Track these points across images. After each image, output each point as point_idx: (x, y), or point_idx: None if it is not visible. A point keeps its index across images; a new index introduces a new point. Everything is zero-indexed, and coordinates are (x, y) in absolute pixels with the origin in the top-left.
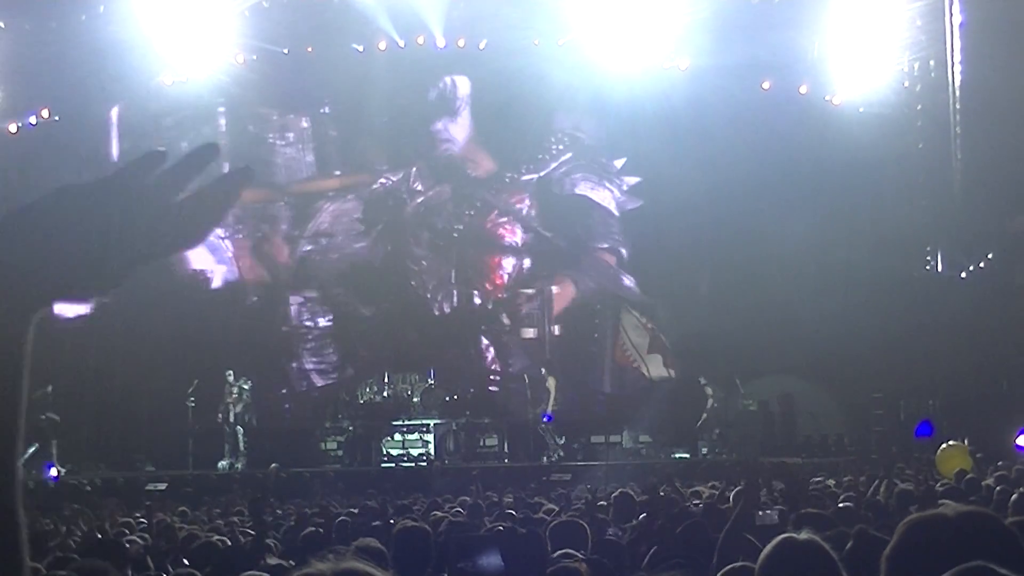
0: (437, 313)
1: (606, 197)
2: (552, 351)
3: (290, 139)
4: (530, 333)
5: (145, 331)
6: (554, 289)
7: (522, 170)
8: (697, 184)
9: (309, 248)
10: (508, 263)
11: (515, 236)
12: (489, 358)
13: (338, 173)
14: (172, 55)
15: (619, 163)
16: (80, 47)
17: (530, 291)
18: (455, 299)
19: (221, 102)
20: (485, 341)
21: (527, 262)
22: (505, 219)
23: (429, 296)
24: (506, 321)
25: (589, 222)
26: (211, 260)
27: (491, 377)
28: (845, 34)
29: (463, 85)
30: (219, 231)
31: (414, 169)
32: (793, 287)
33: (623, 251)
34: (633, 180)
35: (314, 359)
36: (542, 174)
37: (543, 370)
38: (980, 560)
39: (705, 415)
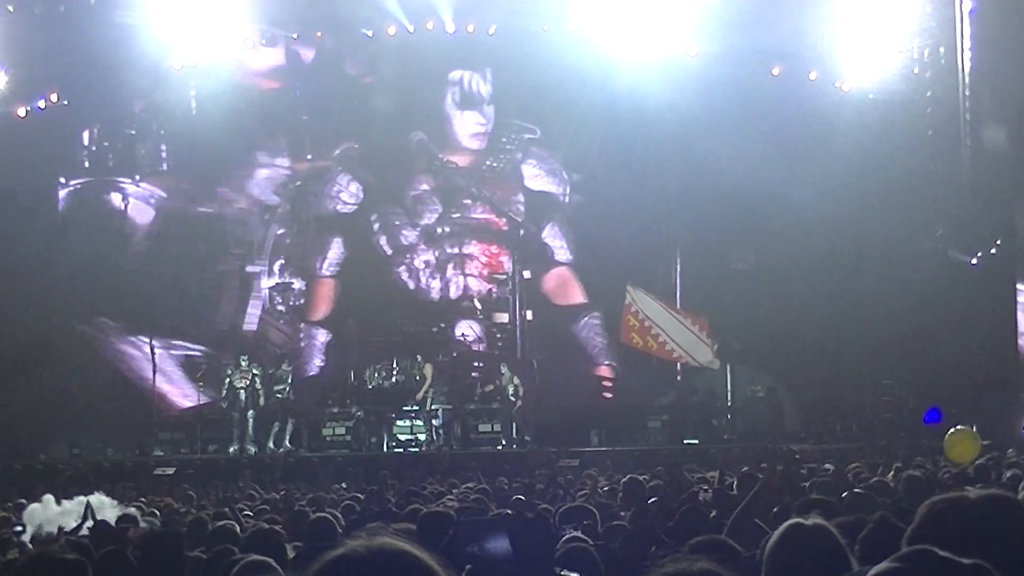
0: (436, 298)
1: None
2: (524, 335)
3: None
4: (502, 318)
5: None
6: (526, 274)
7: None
8: (706, 170)
9: (281, 231)
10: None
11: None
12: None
13: (310, 157)
14: (182, 39)
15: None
16: (89, 31)
17: (501, 276)
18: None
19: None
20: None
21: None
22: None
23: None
24: (478, 306)
25: None
26: None
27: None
28: (855, 20)
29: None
30: None
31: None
32: (800, 274)
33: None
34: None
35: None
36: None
37: (419, 357)
38: (999, 542)
39: (491, 388)
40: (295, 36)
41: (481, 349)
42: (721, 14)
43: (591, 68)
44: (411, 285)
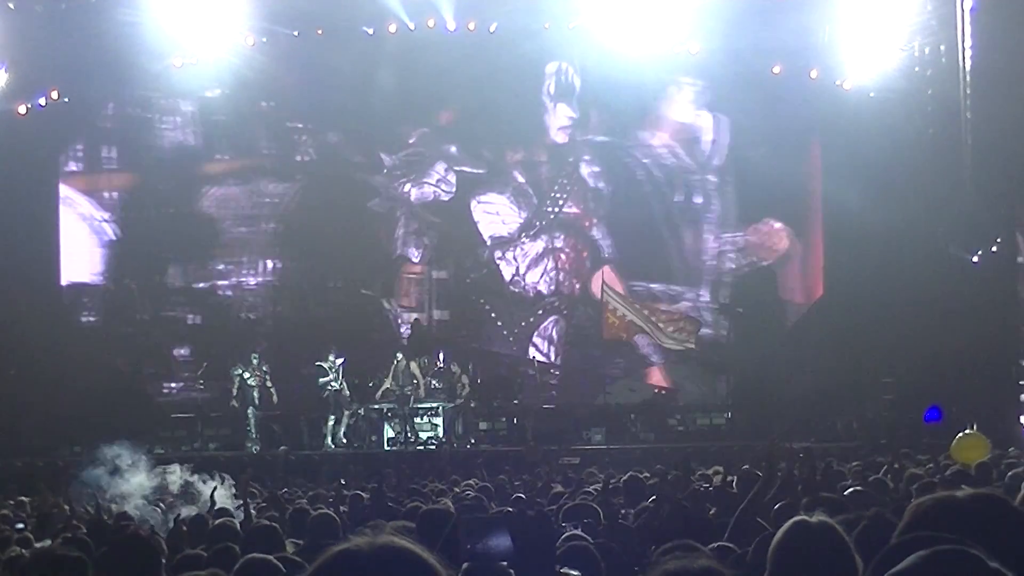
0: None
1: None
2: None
3: (176, 123)
4: (415, 317)
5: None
6: (434, 274)
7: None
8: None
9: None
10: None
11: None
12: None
13: (225, 158)
14: (182, 37)
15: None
16: (90, 28)
17: (414, 275)
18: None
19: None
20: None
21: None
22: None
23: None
24: (387, 306)
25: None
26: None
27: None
28: (856, 18)
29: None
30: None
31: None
32: (802, 272)
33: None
34: None
35: None
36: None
37: (399, 355)
38: (989, 542)
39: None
40: (296, 33)
41: (555, 352)
42: (722, 12)
43: (592, 65)
44: (506, 276)
